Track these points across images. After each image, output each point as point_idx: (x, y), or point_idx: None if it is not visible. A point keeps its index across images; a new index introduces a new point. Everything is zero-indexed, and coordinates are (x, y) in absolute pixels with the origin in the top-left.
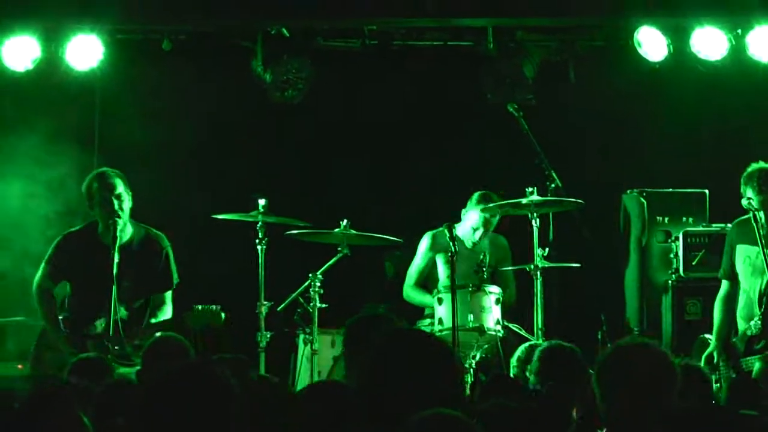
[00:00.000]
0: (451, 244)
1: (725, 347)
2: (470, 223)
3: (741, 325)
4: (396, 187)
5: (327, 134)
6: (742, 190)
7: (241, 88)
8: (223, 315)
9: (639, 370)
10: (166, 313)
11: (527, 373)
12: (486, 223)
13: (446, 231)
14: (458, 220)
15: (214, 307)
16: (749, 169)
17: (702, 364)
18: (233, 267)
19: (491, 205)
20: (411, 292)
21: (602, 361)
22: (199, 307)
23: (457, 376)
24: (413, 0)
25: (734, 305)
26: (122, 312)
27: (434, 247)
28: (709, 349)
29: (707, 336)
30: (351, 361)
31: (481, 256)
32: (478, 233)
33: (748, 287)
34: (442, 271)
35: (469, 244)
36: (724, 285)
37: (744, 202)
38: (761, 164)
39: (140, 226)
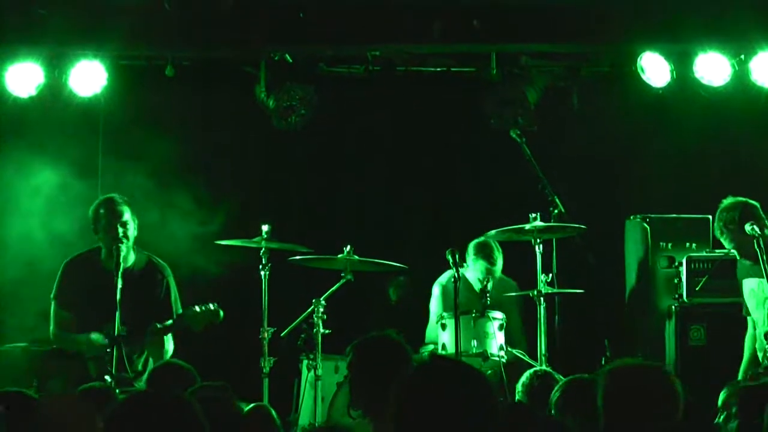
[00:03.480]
0: (454, 268)
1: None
2: (475, 275)
3: (760, 356)
4: (399, 212)
5: (330, 160)
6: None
7: (244, 114)
8: (221, 312)
9: (645, 390)
10: (169, 345)
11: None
12: (488, 272)
13: (448, 257)
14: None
15: (212, 305)
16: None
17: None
18: (237, 293)
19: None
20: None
21: (609, 377)
22: (197, 308)
23: (497, 412)
24: (417, 26)
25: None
26: (122, 329)
27: (445, 294)
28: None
29: None
30: (357, 383)
31: (484, 283)
32: (486, 283)
33: (757, 319)
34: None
35: (477, 289)
36: (750, 322)
37: (747, 227)
38: (730, 199)
39: (143, 253)
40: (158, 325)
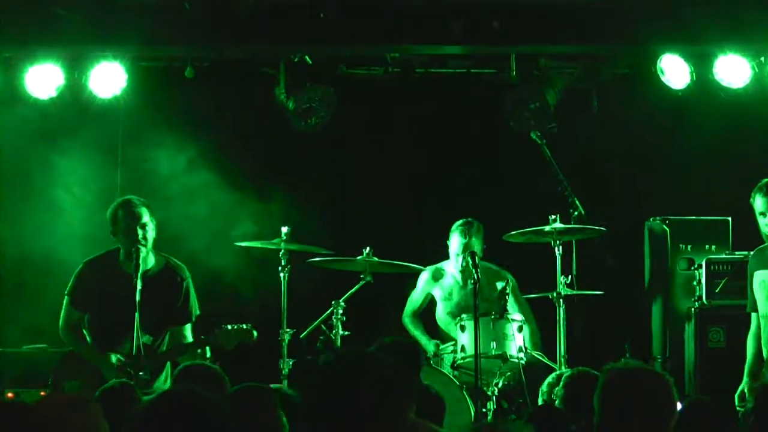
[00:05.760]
0: (474, 271)
1: (754, 380)
2: (453, 251)
3: (765, 352)
4: (418, 214)
5: (349, 161)
6: (751, 200)
7: (263, 115)
8: (255, 333)
9: (643, 394)
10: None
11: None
12: (466, 247)
13: (468, 259)
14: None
15: (245, 325)
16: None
17: (736, 402)
18: (256, 294)
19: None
20: (408, 323)
21: (607, 381)
22: (229, 326)
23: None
24: (437, 27)
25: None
26: (146, 338)
27: (433, 281)
28: (740, 387)
29: None
30: None
31: (503, 284)
32: (460, 259)
33: (766, 312)
34: (441, 308)
35: (460, 280)
36: (754, 318)
37: (764, 229)
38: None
39: (162, 255)
40: (187, 342)
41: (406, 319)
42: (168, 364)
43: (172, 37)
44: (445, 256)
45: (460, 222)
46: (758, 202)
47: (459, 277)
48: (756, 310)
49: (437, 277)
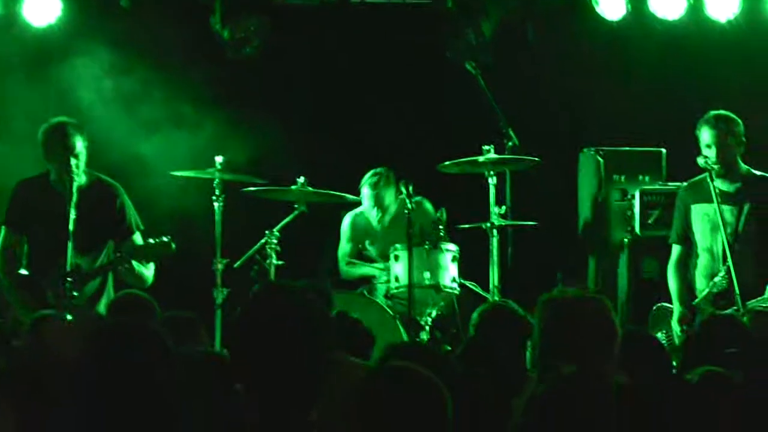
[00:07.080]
0: (408, 201)
1: (690, 311)
2: (366, 204)
3: (701, 283)
4: (354, 144)
5: (284, 91)
6: (697, 131)
7: (199, 45)
8: (173, 245)
9: (583, 320)
10: (146, 270)
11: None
12: (377, 199)
13: (401, 188)
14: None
15: (165, 238)
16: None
17: (677, 330)
18: (190, 224)
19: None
20: (348, 269)
21: (545, 310)
22: (150, 240)
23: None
24: None
25: (688, 268)
26: (81, 259)
27: (354, 228)
28: (678, 315)
29: (665, 304)
30: None
31: (438, 214)
32: (374, 212)
33: (709, 245)
34: (371, 252)
35: (376, 224)
36: (676, 250)
37: (700, 160)
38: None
39: (93, 173)
40: (112, 259)
41: (344, 268)
42: (111, 287)
43: None
44: None
45: (369, 174)
46: (705, 135)
47: (376, 223)
48: (682, 243)
49: (359, 223)
